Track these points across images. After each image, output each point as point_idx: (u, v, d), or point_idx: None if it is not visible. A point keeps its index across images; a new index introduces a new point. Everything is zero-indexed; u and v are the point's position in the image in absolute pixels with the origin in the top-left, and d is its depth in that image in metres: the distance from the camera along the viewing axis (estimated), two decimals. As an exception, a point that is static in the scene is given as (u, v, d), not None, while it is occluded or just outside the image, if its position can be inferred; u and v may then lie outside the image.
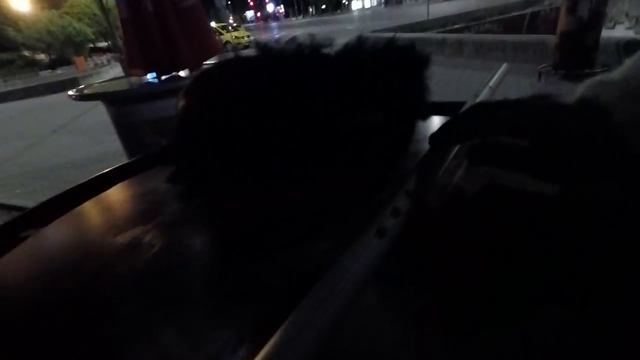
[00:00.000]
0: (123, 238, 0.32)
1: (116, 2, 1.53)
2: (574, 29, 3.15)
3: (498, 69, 0.62)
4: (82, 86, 1.70)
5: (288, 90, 0.33)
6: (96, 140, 3.63)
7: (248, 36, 18.02)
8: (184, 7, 1.60)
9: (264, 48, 0.34)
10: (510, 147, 0.25)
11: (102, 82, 1.97)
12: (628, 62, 0.27)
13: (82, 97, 1.50)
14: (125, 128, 1.57)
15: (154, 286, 0.27)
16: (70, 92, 1.55)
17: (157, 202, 0.39)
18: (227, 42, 17.80)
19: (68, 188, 0.49)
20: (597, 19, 3.06)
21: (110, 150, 1.76)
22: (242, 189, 0.29)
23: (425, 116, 0.41)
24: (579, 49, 3.06)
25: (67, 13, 17.28)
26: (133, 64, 1.59)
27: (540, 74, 4.48)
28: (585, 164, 0.23)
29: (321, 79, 0.35)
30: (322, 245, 0.26)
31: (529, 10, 9.03)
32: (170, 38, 1.59)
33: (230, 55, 0.36)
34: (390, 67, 0.37)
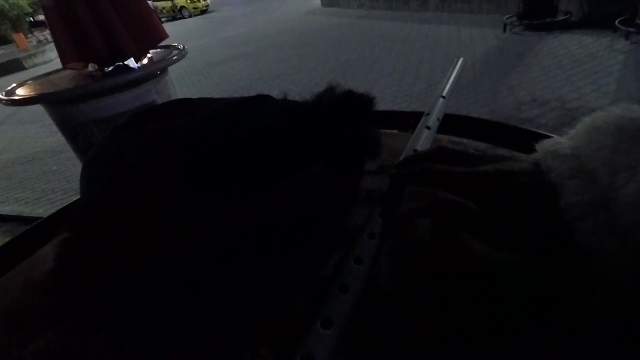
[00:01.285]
0: None
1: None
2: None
3: (454, 68, 0.57)
4: (13, 86, 1.52)
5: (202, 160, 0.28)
6: (51, 129, 3.39)
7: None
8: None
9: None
10: (460, 207, 0.27)
11: (40, 76, 1.77)
12: (578, 130, 0.25)
13: (14, 101, 1.34)
14: (71, 130, 1.44)
15: None
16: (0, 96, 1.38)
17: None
18: (182, 7, 16.57)
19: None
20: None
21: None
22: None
23: (376, 154, 0.38)
24: (543, -2, 3.11)
25: (-5, -17, 15.42)
26: (67, 57, 1.42)
27: (505, 25, 4.52)
28: (527, 241, 0.24)
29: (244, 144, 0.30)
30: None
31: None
32: (104, 22, 1.42)
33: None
34: (328, 119, 0.33)
